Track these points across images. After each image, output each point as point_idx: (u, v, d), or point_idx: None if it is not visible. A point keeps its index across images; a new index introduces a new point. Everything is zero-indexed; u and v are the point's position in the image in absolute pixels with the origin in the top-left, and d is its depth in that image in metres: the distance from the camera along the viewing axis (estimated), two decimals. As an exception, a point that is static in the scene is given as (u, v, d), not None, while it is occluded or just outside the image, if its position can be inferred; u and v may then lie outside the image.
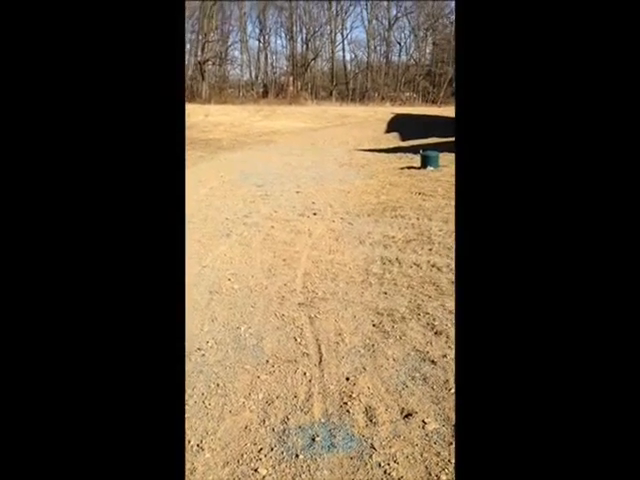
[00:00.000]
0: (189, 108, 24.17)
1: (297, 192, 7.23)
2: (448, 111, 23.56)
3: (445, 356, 2.78)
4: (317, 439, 2.14)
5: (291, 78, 38.28)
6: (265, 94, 36.25)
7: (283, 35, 40.84)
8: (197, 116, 21.93)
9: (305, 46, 39.37)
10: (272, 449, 2.09)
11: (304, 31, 39.10)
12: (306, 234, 5.18)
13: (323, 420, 2.26)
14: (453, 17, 38.23)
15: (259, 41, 39.73)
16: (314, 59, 39.19)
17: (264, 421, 2.26)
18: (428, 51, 39.77)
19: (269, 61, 40.04)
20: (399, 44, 39.83)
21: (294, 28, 38.85)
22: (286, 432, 2.19)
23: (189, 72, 36.13)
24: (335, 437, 2.15)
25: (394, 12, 38.63)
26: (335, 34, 39.25)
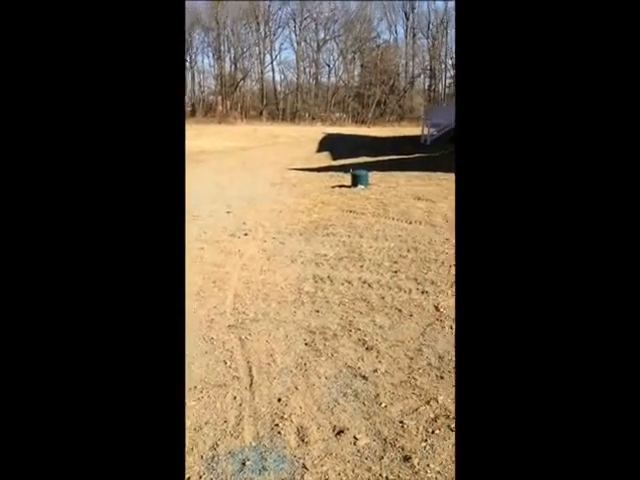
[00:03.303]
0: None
1: (227, 212, 7.15)
2: (377, 131, 24.26)
3: (376, 371, 2.81)
4: (247, 463, 2.09)
5: (220, 97, 38.09)
6: (193, 113, 35.81)
7: (210, 55, 40.59)
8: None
9: (234, 66, 39.41)
10: (200, 477, 2.02)
11: (232, 51, 39.18)
12: (237, 255, 5.12)
13: (254, 444, 2.22)
14: (380, 41, 39.68)
15: (185, 60, 39.38)
16: (243, 79, 39.25)
17: (192, 449, 2.18)
18: (357, 73, 41.00)
19: (196, 80, 39.74)
20: (328, 66, 40.79)
21: (222, 47, 38.85)
22: (215, 459, 2.12)
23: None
24: (266, 460, 2.11)
25: (322, 35, 39.61)
26: (264, 55, 39.61)
